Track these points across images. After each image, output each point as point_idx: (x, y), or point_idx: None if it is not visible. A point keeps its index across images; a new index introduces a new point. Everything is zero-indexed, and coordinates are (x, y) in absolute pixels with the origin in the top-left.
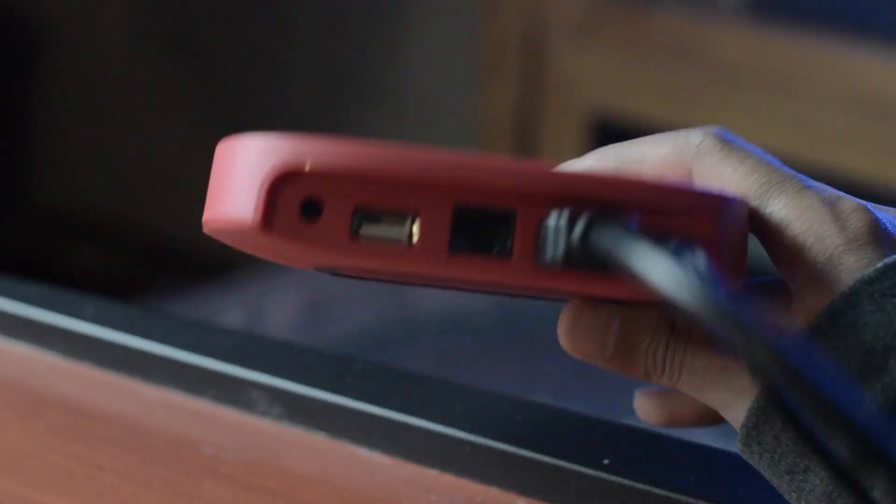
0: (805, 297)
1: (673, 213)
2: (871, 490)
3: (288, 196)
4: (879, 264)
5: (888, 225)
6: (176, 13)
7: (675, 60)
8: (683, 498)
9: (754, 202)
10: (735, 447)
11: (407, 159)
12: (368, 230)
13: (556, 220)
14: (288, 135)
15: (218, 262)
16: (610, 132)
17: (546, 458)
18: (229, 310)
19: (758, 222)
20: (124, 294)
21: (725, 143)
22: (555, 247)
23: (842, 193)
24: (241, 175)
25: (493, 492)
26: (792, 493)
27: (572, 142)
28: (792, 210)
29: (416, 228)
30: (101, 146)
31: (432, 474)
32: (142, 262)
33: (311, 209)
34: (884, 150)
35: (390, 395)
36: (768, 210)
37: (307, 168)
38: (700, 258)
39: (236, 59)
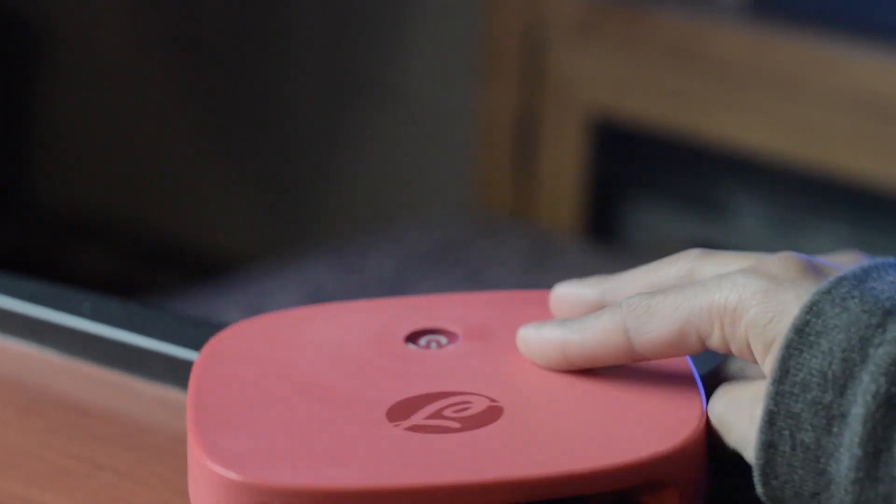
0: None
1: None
2: None
3: None
4: (831, 278)
5: (815, 262)
6: (176, 13)
7: (675, 60)
8: None
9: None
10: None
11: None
12: None
13: None
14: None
15: (218, 262)
16: (610, 132)
17: None
18: (229, 309)
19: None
20: (124, 294)
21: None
22: None
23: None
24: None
25: None
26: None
27: (572, 142)
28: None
29: None
30: (101, 146)
31: None
32: (142, 262)
33: None
34: (884, 150)
35: None
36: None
37: None
38: None
39: (236, 60)
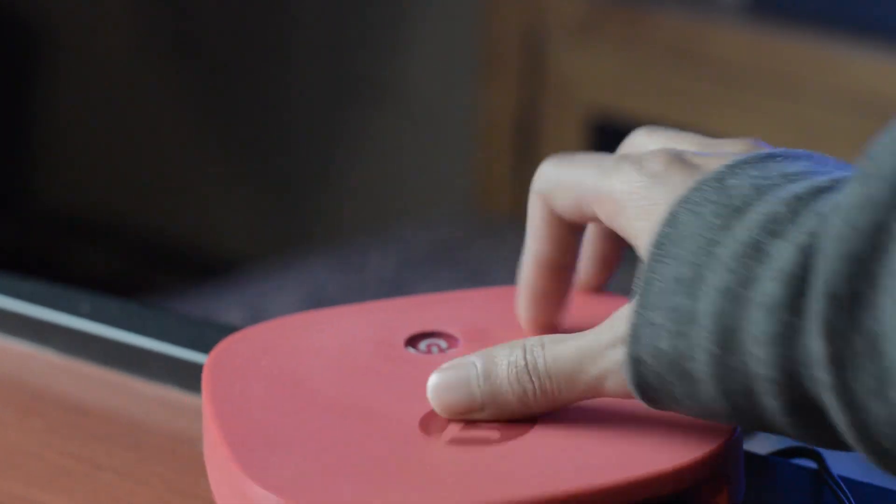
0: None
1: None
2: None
3: None
4: (692, 183)
5: (686, 155)
6: (176, 14)
7: (675, 60)
8: None
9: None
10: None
11: None
12: None
13: None
14: None
15: (218, 262)
16: (610, 132)
17: None
18: (229, 309)
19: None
20: (125, 294)
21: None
22: None
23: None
24: None
25: None
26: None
27: (572, 141)
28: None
29: None
30: (101, 146)
31: None
32: (142, 262)
33: None
34: None
35: None
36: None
37: None
38: None
39: (237, 60)
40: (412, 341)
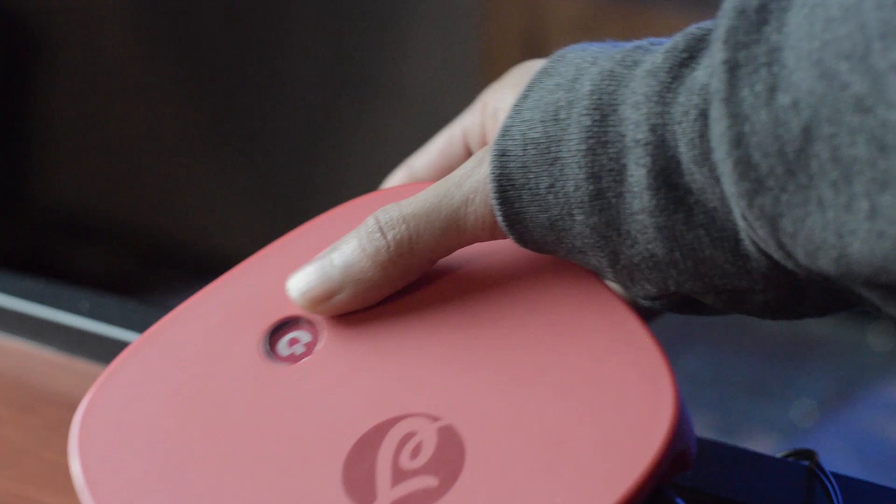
0: None
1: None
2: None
3: None
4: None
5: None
6: (176, 13)
7: None
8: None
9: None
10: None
11: None
12: None
13: None
14: None
15: (218, 262)
16: None
17: None
18: None
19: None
20: (124, 294)
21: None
22: None
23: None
24: None
25: None
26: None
27: None
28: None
29: None
30: (101, 146)
31: None
32: (142, 262)
33: None
34: None
35: None
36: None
37: None
38: None
39: (236, 60)
40: (272, 342)
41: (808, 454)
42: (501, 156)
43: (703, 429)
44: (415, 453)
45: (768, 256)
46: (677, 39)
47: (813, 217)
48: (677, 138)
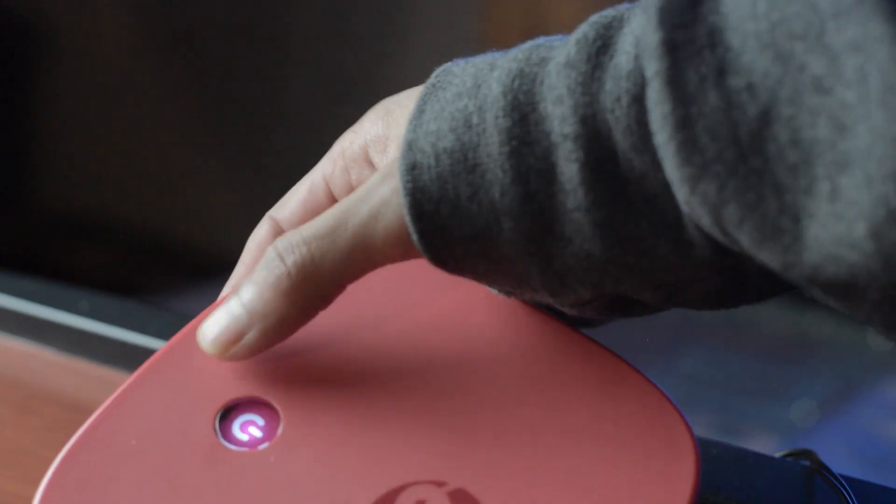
0: None
1: None
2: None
3: None
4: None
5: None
6: (176, 13)
7: None
8: None
9: None
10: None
11: None
12: None
13: None
14: None
15: (218, 262)
16: None
17: None
18: None
19: None
20: (124, 294)
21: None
22: None
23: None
24: None
25: None
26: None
27: None
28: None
29: None
30: (101, 146)
31: None
32: (142, 262)
33: None
34: None
35: None
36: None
37: None
38: None
39: (237, 60)
40: (223, 427)
41: (808, 454)
42: (412, 168)
43: (703, 429)
44: None
45: (712, 241)
46: (585, 29)
47: (767, 202)
48: (610, 127)
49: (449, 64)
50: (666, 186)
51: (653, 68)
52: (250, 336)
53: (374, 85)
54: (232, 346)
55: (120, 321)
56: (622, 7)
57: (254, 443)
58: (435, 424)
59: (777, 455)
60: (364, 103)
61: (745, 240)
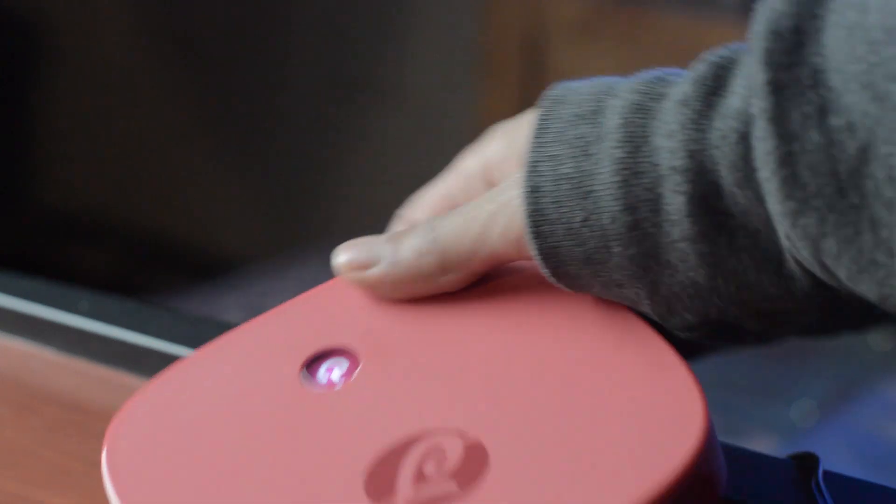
0: None
1: None
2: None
3: None
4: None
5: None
6: (176, 13)
7: (675, 60)
8: None
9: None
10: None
11: None
12: None
13: None
14: None
15: (218, 262)
16: None
17: None
18: (229, 309)
19: None
20: (124, 294)
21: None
22: None
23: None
24: None
25: None
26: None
27: None
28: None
29: None
30: (101, 146)
31: None
32: (142, 262)
33: None
34: None
35: None
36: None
37: None
38: None
39: (237, 60)
40: (311, 370)
41: (810, 458)
42: (533, 192)
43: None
44: (439, 463)
45: (812, 276)
46: (703, 69)
47: (863, 236)
48: (717, 162)
49: (562, 82)
50: (768, 222)
51: (758, 106)
52: (374, 270)
53: (374, 85)
54: (354, 271)
55: (120, 321)
56: (734, 46)
57: (331, 385)
58: (481, 384)
59: (783, 457)
60: (364, 103)
61: (843, 272)
